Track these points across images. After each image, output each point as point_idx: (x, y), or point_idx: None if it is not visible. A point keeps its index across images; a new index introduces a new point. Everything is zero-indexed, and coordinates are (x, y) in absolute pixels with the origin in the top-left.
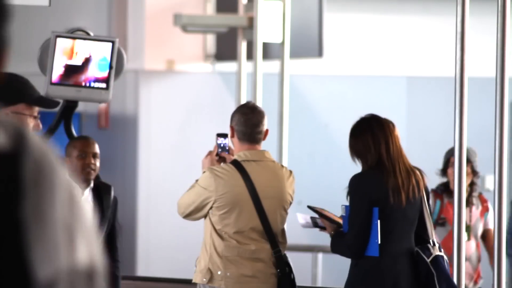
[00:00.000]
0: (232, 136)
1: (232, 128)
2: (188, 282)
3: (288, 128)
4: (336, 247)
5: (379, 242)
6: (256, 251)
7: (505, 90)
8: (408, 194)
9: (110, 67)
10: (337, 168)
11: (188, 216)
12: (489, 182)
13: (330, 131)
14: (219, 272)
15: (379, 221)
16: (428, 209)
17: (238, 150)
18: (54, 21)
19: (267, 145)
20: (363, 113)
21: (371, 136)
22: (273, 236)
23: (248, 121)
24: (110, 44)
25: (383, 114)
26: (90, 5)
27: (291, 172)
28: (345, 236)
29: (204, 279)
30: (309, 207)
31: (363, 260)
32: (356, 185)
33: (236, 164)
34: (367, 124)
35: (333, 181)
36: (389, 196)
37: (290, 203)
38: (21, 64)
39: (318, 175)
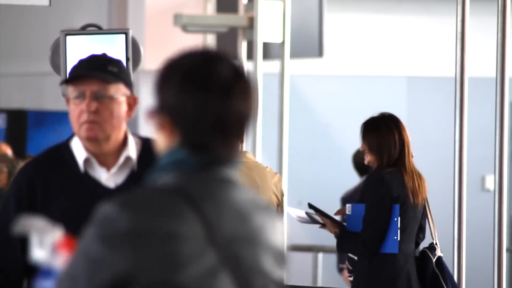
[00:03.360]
0: None
1: None
2: None
3: (288, 128)
4: (346, 245)
5: (399, 239)
6: None
7: (505, 90)
8: (422, 196)
9: (127, 59)
10: (337, 168)
11: None
12: (489, 182)
13: (330, 131)
14: None
15: (399, 218)
16: (430, 212)
17: None
18: (54, 21)
19: (267, 145)
20: (363, 113)
21: (398, 134)
22: None
23: None
24: (123, 36)
25: None
26: (90, 5)
27: (276, 173)
28: (361, 232)
29: None
30: (310, 205)
31: (378, 257)
32: (377, 182)
33: None
34: (393, 121)
35: (333, 181)
36: (409, 196)
37: (277, 203)
38: (21, 64)
39: (318, 175)
